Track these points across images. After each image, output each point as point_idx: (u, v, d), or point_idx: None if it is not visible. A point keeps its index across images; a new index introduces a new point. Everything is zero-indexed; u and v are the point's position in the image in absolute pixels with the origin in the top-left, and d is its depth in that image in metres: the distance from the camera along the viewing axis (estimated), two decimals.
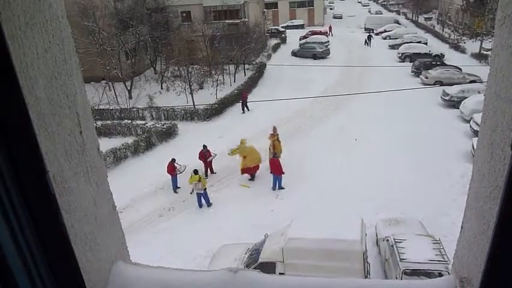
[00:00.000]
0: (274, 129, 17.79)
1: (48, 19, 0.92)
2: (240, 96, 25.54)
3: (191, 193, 15.45)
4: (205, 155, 17.48)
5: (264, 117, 22.89)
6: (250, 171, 16.86)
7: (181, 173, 16.52)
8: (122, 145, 20.19)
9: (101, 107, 24.30)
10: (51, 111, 0.92)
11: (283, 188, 15.96)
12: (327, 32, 47.48)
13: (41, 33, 0.90)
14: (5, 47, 0.74)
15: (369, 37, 43.10)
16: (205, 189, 15.23)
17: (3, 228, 0.76)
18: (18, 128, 0.78)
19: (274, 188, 16.01)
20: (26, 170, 0.80)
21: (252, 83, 30.36)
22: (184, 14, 36.21)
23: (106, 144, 19.22)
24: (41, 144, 0.85)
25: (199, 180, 15.02)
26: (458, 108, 22.81)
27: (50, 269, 0.87)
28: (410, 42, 39.64)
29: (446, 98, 24.64)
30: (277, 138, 17.55)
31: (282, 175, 15.93)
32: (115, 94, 27.75)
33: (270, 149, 17.17)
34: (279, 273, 10.10)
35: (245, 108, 24.97)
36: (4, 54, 0.74)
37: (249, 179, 16.97)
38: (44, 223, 0.84)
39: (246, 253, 11.28)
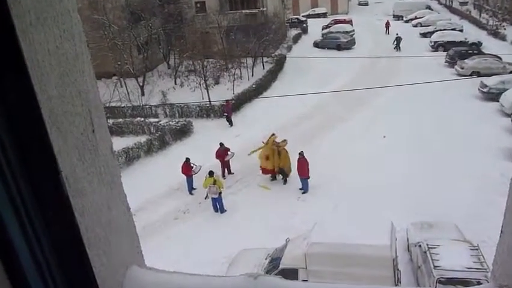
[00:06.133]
0: (283, 141, 16.92)
1: (59, 13, 0.95)
2: (224, 108, 23.69)
3: (206, 198, 15.45)
4: (222, 153, 17.54)
5: (285, 113, 22.82)
6: (273, 172, 16.82)
7: (196, 173, 16.65)
8: (135, 144, 20.48)
9: (113, 104, 24.66)
10: (63, 109, 0.95)
11: (305, 192, 15.95)
12: (350, 21, 46.54)
13: (52, 28, 0.92)
14: (17, 44, 0.77)
15: (399, 39, 36.75)
16: (220, 193, 15.14)
17: (17, 231, 0.79)
18: (31, 127, 0.81)
19: (306, 190, 15.94)
20: (39, 171, 0.82)
21: (271, 77, 30.32)
22: (198, 5, 36.38)
23: (118, 143, 19.54)
24: (54, 144, 0.87)
25: (214, 183, 14.93)
26: (498, 101, 22.24)
27: (64, 273, 0.90)
28: (444, 30, 38.79)
29: (485, 90, 24.04)
30: (275, 143, 16.56)
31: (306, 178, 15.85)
32: (127, 91, 28.17)
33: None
34: (302, 281, 10.08)
35: (229, 122, 23.40)
36: (16, 51, 0.77)
37: (271, 180, 16.96)
38: (58, 226, 0.87)
39: (266, 259, 11.31)
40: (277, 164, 16.51)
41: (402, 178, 15.43)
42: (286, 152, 16.45)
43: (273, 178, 17.00)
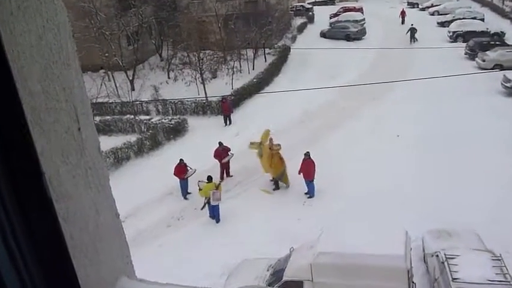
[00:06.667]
0: (276, 145, 16.85)
1: (42, 1, 0.95)
2: (221, 105, 23.73)
3: (202, 208, 15.32)
4: (221, 154, 17.54)
5: (289, 110, 22.83)
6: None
7: (187, 177, 16.61)
8: (124, 144, 20.52)
9: (100, 100, 24.71)
10: (46, 105, 0.95)
11: (311, 197, 16.00)
12: (361, 9, 46.46)
13: (35, 17, 0.93)
14: None
15: (413, 30, 36.32)
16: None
17: None
18: (11, 125, 0.81)
19: (312, 195, 15.98)
20: (20, 173, 0.83)
21: (273, 70, 30.33)
22: None
23: (106, 143, 19.57)
24: (36, 143, 0.88)
25: (217, 188, 14.96)
26: None
27: (47, 285, 0.90)
28: (463, 19, 38.78)
29: (508, 84, 24.04)
30: (271, 146, 16.55)
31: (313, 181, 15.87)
32: (115, 85, 28.18)
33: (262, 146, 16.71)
34: None
35: (227, 121, 23.36)
36: None
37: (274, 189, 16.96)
38: (40, 233, 0.87)
39: (268, 270, 11.31)
40: (267, 168, 16.54)
41: (416, 180, 15.44)
42: (279, 157, 16.36)
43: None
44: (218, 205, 15.12)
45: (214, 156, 17.54)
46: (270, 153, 16.32)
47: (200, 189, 15.20)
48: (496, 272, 9.81)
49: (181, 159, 16.76)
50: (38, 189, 0.86)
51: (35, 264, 0.87)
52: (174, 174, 16.67)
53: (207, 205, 15.23)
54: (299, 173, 15.90)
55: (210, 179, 15.16)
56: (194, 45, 28.18)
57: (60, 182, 0.98)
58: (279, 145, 16.64)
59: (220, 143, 17.71)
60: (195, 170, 16.80)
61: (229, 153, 17.69)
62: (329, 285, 9.83)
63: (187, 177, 16.69)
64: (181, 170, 16.66)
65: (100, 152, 1.17)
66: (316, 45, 34.89)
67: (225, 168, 17.77)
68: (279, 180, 16.73)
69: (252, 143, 17.21)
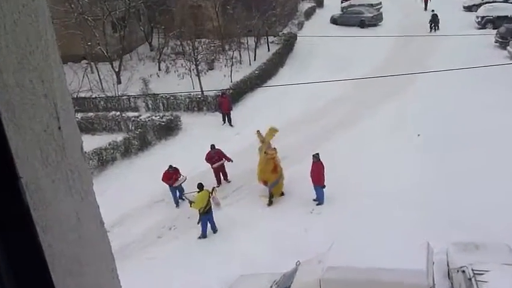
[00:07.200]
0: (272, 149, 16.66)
1: None
2: (218, 103, 23.66)
3: (199, 222, 15.22)
4: (213, 157, 17.50)
5: (295, 106, 22.83)
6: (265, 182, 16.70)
7: (176, 186, 16.63)
8: (109, 144, 20.55)
9: (82, 94, 24.70)
10: (22, 101, 0.95)
11: (320, 204, 16.03)
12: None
13: (9, 1, 0.93)
14: None
15: (434, 17, 36.13)
16: (210, 207, 15.08)
17: None
18: None
19: (321, 201, 16.00)
20: None
21: (278, 61, 30.33)
22: None
23: (89, 142, 19.61)
24: (11, 143, 0.88)
25: (212, 193, 15.06)
26: None
27: None
28: (493, 2, 38.71)
29: None
30: (266, 150, 16.42)
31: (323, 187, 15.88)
32: (99, 78, 28.22)
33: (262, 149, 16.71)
34: None
35: (226, 120, 23.36)
36: None
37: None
38: (15, 244, 0.87)
39: (271, 286, 11.32)
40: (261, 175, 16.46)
41: (440, 186, 15.39)
42: (274, 165, 16.19)
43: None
44: (212, 213, 15.14)
45: (206, 160, 17.52)
46: (265, 158, 16.18)
47: (192, 202, 14.92)
48: None
49: (170, 165, 16.67)
50: (14, 195, 0.87)
51: (10, 278, 0.87)
52: (162, 180, 16.68)
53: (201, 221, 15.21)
54: (310, 176, 15.86)
55: (200, 186, 14.95)
56: (188, 33, 28.16)
57: (38, 187, 0.98)
58: (274, 149, 16.50)
59: (212, 146, 17.56)
60: (186, 178, 16.75)
61: (222, 158, 17.55)
62: None
63: (174, 185, 16.64)
64: (170, 177, 16.60)
65: (82, 153, 1.17)
66: (326, 32, 34.87)
67: (220, 172, 17.73)
68: (269, 188, 16.41)
69: (259, 132, 17.12)
